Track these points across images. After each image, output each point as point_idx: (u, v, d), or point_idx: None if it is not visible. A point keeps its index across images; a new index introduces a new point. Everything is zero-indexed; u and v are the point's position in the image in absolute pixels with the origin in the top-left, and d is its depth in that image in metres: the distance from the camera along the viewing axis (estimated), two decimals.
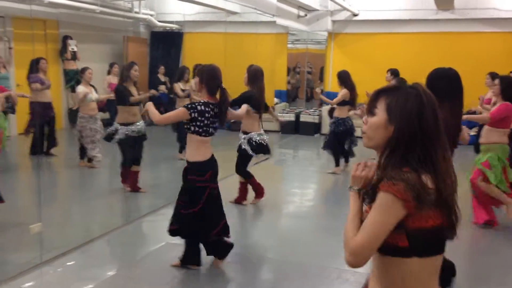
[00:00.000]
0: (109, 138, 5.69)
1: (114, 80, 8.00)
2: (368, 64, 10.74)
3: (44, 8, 8.58)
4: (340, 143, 7.20)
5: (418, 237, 1.44)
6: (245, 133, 5.39)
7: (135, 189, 5.79)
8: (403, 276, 1.48)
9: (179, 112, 3.53)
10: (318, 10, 11.00)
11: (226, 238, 3.83)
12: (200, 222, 3.60)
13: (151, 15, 11.12)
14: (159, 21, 11.33)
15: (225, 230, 3.80)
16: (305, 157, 9.67)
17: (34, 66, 7.07)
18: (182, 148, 7.67)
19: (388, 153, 1.51)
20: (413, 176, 1.42)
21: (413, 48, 10.57)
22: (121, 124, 5.56)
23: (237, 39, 11.00)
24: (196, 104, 3.47)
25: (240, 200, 5.62)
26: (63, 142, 8.40)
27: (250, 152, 5.26)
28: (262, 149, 5.42)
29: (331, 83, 11.72)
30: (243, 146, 5.30)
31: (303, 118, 11.21)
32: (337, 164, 7.32)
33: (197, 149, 3.52)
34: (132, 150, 5.68)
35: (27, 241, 4.07)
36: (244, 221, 5.29)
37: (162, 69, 10.37)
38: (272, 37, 11.40)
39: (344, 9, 10.51)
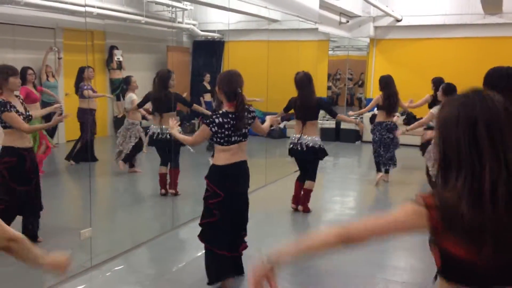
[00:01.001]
0: (150, 141, 5.97)
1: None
2: (412, 70, 10.54)
3: (92, 20, 8.89)
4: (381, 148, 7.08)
5: (449, 260, 1.30)
6: (300, 137, 5.50)
7: (174, 189, 5.98)
8: None
9: (202, 130, 3.47)
10: (360, 16, 10.90)
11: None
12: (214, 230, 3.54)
13: (194, 25, 11.32)
14: (202, 30, 11.51)
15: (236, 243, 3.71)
16: (346, 165, 9.57)
17: (81, 75, 7.35)
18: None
19: (438, 171, 1.35)
20: (451, 198, 1.26)
21: (459, 53, 10.29)
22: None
23: (279, 46, 11.03)
24: (214, 117, 3.41)
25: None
26: (109, 149, 8.64)
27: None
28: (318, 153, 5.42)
29: (373, 89, 11.56)
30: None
31: (344, 125, 11.09)
32: (379, 170, 7.17)
33: (218, 155, 3.50)
34: (164, 151, 5.90)
35: (77, 246, 4.19)
36: (284, 228, 5.26)
37: (207, 76, 10.48)
38: (314, 44, 11.38)
39: (387, 14, 10.37)
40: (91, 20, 8.84)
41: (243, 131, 3.51)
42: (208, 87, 10.27)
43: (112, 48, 9.91)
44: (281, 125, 9.68)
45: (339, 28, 10.60)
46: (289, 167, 8.41)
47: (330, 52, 12.51)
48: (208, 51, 12.03)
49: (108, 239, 4.69)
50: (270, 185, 6.96)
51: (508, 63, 10.43)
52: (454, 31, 10.34)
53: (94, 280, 3.78)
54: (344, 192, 7.07)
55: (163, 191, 5.99)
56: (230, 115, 3.41)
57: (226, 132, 3.40)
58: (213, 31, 11.81)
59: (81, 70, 7.40)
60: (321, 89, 11.91)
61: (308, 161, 5.53)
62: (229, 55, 12.24)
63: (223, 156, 3.47)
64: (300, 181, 5.73)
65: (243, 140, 3.54)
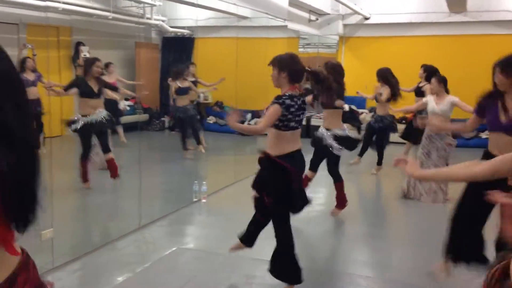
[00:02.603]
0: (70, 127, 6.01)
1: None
2: (380, 68, 10.68)
3: (58, 15, 8.67)
4: (377, 139, 7.24)
5: None
6: (328, 129, 5.23)
7: (115, 176, 6.11)
8: None
9: (274, 111, 3.20)
10: (329, 14, 10.98)
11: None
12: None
13: (163, 21, 11.19)
14: (171, 27, 11.39)
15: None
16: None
17: (22, 66, 7.49)
18: (185, 146, 8.14)
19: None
20: None
21: (425, 51, 10.47)
22: (82, 116, 5.89)
23: (248, 43, 11.01)
24: (284, 98, 3.22)
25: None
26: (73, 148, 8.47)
27: (335, 149, 5.06)
28: (346, 143, 5.23)
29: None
30: (327, 142, 5.09)
31: (314, 122, 11.18)
32: (360, 155, 7.41)
33: (274, 143, 3.30)
34: (90, 140, 5.99)
35: (39, 247, 4.09)
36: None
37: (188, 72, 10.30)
38: (283, 41, 11.39)
39: (356, 13, 10.48)
40: (56, 15, 8.62)
41: (301, 117, 3.33)
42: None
43: (79, 44, 9.69)
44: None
45: (309, 26, 10.66)
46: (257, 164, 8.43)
47: (301, 50, 12.55)
48: (177, 47, 11.92)
49: (71, 240, 4.60)
50: (239, 183, 6.93)
51: (472, 61, 10.84)
52: (421, 29, 10.54)
53: (57, 281, 3.69)
54: (313, 188, 7.07)
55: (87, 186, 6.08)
56: (295, 98, 3.26)
57: (289, 116, 3.22)
58: (183, 28, 11.70)
59: (22, 61, 7.56)
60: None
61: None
62: (199, 52, 12.17)
63: (279, 146, 3.27)
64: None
65: (299, 127, 3.35)
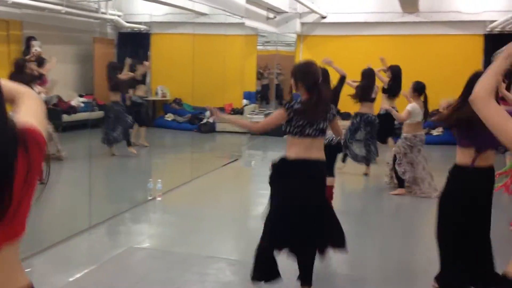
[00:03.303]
0: None
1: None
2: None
3: (7, 9, 8.38)
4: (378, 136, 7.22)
5: None
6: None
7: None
8: None
9: (278, 114, 3.20)
10: (287, 12, 11.06)
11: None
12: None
13: (119, 16, 10.98)
14: (127, 22, 11.20)
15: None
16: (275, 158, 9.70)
17: None
18: (129, 142, 7.98)
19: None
20: None
21: (380, 50, 10.65)
22: None
23: (206, 40, 10.96)
24: (294, 102, 3.17)
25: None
26: None
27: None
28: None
29: None
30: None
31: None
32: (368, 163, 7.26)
33: (289, 148, 3.24)
34: None
35: None
36: (214, 222, 5.23)
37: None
38: (241, 38, 11.41)
39: (313, 11, 10.60)
40: (6, 9, 8.32)
41: (321, 125, 3.21)
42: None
43: (30, 39, 9.39)
44: None
45: (267, 23, 10.71)
46: (215, 162, 8.43)
47: (260, 47, 12.61)
48: (133, 43, 11.72)
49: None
50: (195, 180, 6.90)
51: (425, 60, 11.09)
52: (376, 29, 10.78)
53: None
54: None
55: None
56: (306, 104, 3.18)
57: (301, 122, 3.15)
58: (139, 23, 11.52)
59: None
60: (249, 84, 12.02)
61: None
62: (156, 48, 12.02)
63: (294, 150, 3.20)
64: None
65: (319, 136, 3.23)
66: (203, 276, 3.79)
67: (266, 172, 7.71)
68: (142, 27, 11.71)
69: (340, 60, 10.88)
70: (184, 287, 3.60)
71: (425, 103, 5.83)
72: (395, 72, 7.48)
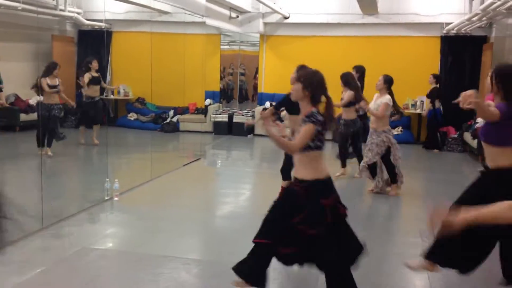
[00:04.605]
0: None
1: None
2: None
3: None
4: (351, 143, 7.11)
5: None
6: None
7: None
8: None
9: (309, 130, 3.03)
10: (250, 12, 11.09)
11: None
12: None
13: (78, 13, 10.77)
14: (87, 20, 10.99)
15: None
16: (239, 158, 9.72)
17: None
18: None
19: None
20: None
21: (341, 51, 10.88)
22: None
23: (166, 39, 10.88)
24: (317, 115, 3.08)
25: None
26: None
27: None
28: None
29: (264, 84, 11.87)
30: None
31: (236, 118, 11.26)
32: (344, 165, 7.19)
33: (317, 164, 3.12)
34: None
35: None
36: (172, 222, 5.19)
37: (95, 64, 9.95)
38: (203, 37, 11.37)
39: (275, 11, 10.67)
40: None
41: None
42: (96, 75, 9.83)
43: None
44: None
45: (230, 23, 10.70)
46: (177, 161, 8.37)
47: (226, 47, 12.59)
48: (94, 41, 11.51)
49: None
50: (154, 180, 6.84)
51: (385, 61, 11.27)
52: (337, 30, 10.93)
53: None
54: (238, 184, 7.10)
55: None
56: (321, 116, 3.12)
57: (320, 136, 3.09)
58: (100, 21, 11.31)
59: None
60: (212, 83, 11.98)
61: None
62: (117, 46, 11.84)
63: (321, 165, 3.11)
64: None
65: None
66: (157, 276, 3.75)
67: (230, 171, 7.74)
68: (103, 24, 11.50)
69: (302, 60, 11.01)
70: (136, 287, 3.56)
71: (392, 97, 5.99)
72: (361, 72, 7.62)
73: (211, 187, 7.09)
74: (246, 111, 11.72)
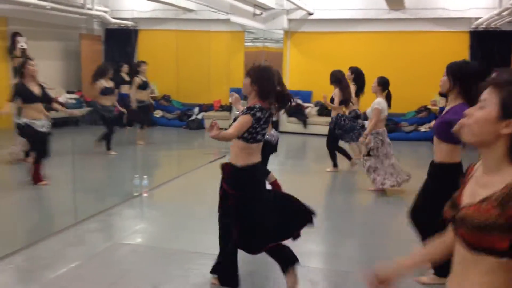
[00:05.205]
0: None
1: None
2: (323, 63, 10.90)
3: None
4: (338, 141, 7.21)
5: None
6: None
7: (39, 180, 5.89)
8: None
9: (245, 121, 3.11)
10: (274, 8, 11.07)
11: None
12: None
13: (105, 12, 10.93)
14: (114, 18, 11.14)
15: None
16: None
17: None
18: (102, 139, 7.95)
19: (502, 151, 1.37)
20: None
21: (366, 47, 10.79)
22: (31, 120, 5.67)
23: (191, 36, 10.96)
24: (256, 110, 3.14)
25: None
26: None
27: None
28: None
29: (289, 81, 11.84)
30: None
31: None
32: (335, 164, 7.30)
33: (240, 155, 3.23)
34: (37, 146, 5.81)
35: None
36: (199, 218, 5.25)
37: (125, 67, 10.15)
38: (227, 35, 11.41)
39: (299, 8, 10.62)
40: None
41: (265, 130, 3.27)
42: (126, 78, 9.96)
43: (15, 35, 9.32)
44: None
45: (254, 20, 10.71)
46: (202, 158, 8.43)
47: (250, 44, 12.60)
48: (121, 39, 11.67)
49: (4, 235, 4.45)
50: (182, 177, 6.91)
51: (411, 57, 11.17)
52: (361, 26, 10.83)
53: None
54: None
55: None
56: (264, 111, 3.18)
57: (258, 129, 3.16)
58: (126, 19, 11.47)
59: None
60: (236, 80, 12.00)
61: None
62: (143, 44, 11.97)
63: (243, 158, 3.22)
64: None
65: (261, 140, 3.30)
66: (186, 271, 3.81)
67: None
68: (129, 23, 11.66)
69: (327, 57, 11.00)
70: (166, 282, 3.62)
71: (388, 98, 5.90)
72: (356, 73, 7.56)
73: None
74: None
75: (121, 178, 6.94)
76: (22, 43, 9.27)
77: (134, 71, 8.73)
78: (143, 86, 8.66)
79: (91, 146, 7.97)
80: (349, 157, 7.32)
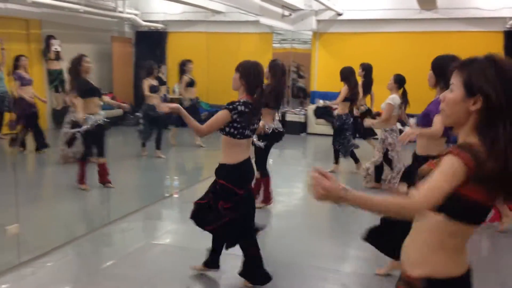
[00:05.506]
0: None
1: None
2: (353, 64, 10.72)
3: (27, 8, 8.53)
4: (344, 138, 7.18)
5: (464, 204, 1.49)
6: None
7: (106, 181, 5.80)
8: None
9: (221, 115, 3.17)
10: (302, 9, 11.03)
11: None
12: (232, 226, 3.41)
13: (136, 15, 11.09)
14: (144, 21, 11.30)
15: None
16: (292, 156, 9.70)
17: (16, 64, 7.38)
18: (144, 145, 7.90)
19: (471, 127, 1.52)
20: (481, 150, 1.45)
21: (397, 47, 10.64)
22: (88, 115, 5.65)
23: (221, 38, 11.01)
24: (237, 104, 3.19)
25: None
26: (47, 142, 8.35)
27: (258, 144, 5.10)
28: (274, 137, 5.37)
29: (317, 82, 11.78)
30: (255, 140, 5.12)
31: (289, 117, 11.24)
32: (337, 162, 7.33)
33: (230, 151, 3.29)
34: (95, 141, 5.73)
35: (4, 243, 4.05)
36: None
37: (163, 68, 10.22)
38: (256, 36, 11.42)
39: (328, 8, 10.55)
40: (25, 8, 8.47)
41: (255, 126, 3.37)
42: (164, 79, 10.05)
43: (49, 37, 9.56)
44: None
45: (282, 21, 10.69)
46: None
47: (277, 45, 12.59)
48: (151, 41, 11.81)
49: (39, 235, 4.55)
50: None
51: None
52: (392, 26, 10.67)
53: (22, 277, 3.66)
54: (291, 183, 7.12)
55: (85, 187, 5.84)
56: (250, 106, 3.24)
57: (243, 124, 3.22)
58: (156, 22, 11.61)
59: (16, 59, 7.42)
60: (265, 82, 12.01)
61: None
62: (172, 46, 12.09)
63: (236, 152, 3.27)
64: (267, 175, 5.59)
65: (251, 136, 3.37)
66: (218, 272, 3.82)
67: (284, 170, 7.77)
68: (159, 25, 11.79)
69: (356, 58, 10.86)
70: (199, 283, 3.64)
71: (405, 96, 5.83)
72: (367, 70, 7.46)
73: None
74: (298, 109, 11.68)
75: (153, 179, 7.02)
76: (56, 45, 9.50)
77: (181, 70, 8.77)
78: (191, 83, 8.70)
79: (125, 147, 8.05)
80: (356, 160, 7.26)
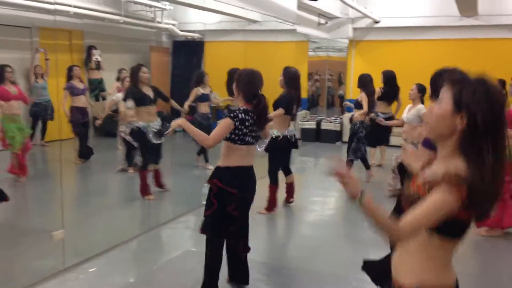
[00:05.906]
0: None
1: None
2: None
3: (70, 19, 8.80)
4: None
5: (452, 222, 1.53)
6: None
7: (161, 186, 6.10)
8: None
9: (224, 124, 3.23)
10: (339, 17, 10.98)
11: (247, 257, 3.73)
12: (222, 224, 3.49)
13: (173, 25, 11.28)
14: (181, 31, 11.48)
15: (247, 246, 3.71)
16: (327, 165, 9.62)
17: (68, 74, 7.71)
18: (201, 152, 7.87)
19: (455, 143, 1.54)
20: (467, 174, 1.47)
21: (436, 55, 10.41)
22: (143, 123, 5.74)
23: (258, 47, 11.05)
24: (237, 112, 3.26)
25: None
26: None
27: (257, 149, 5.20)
28: (287, 144, 5.46)
29: (353, 90, 11.66)
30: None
31: (324, 125, 11.17)
32: (368, 167, 7.29)
33: (227, 155, 3.34)
34: (152, 149, 5.83)
35: (49, 248, 4.16)
36: (263, 228, 5.27)
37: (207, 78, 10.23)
38: (292, 45, 11.43)
39: (365, 16, 10.46)
40: (68, 19, 8.75)
41: (257, 133, 3.41)
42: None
43: (90, 48, 9.82)
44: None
45: (318, 29, 10.67)
46: (265, 167, 8.44)
47: (312, 53, 12.56)
48: (188, 51, 12.00)
49: (83, 241, 4.65)
50: None
51: (483, 65, 10.59)
52: (431, 33, 10.49)
53: (67, 282, 3.75)
54: (325, 192, 7.06)
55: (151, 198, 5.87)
56: (250, 113, 3.31)
57: (244, 130, 3.27)
58: (193, 31, 11.78)
59: (69, 69, 7.76)
60: (302, 90, 11.99)
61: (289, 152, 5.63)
62: (209, 56, 12.24)
63: (234, 157, 3.32)
64: (276, 184, 5.63)
65: (255, 143, 3.42)
66: (257, 281, 3.82)
67: (319, 178, 7.71)
68: (196, 35, 11.96)
69: (393, 66, 10.70)
70: None
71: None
72: (388, 78, 7.30)
73: (298, 194, 7.05)
74: (334, 118, 11.60)
75: (190, 187, 7.09)
76: (97, 55, 9.75)
77: (198, 81, 8.78)
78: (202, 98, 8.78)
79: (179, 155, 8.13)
80: (367, 166, 7.24)
